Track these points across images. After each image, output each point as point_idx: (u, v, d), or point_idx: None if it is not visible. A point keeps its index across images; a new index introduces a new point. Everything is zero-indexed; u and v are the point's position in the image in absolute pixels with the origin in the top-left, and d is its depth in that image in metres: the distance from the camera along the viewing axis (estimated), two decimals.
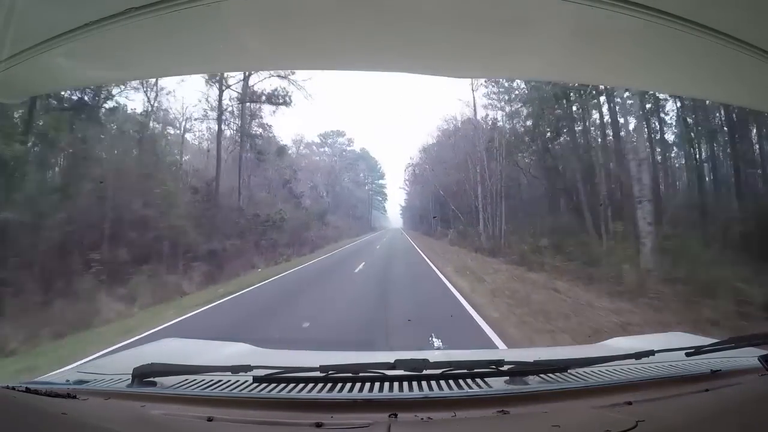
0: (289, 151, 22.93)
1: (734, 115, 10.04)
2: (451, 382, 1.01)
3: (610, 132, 12.20)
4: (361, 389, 1.00)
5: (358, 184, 38.54)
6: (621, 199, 10.52)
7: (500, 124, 16.69)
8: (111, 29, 0.96)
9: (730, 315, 5.53)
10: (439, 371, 1.03)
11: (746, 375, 1.06)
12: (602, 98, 11.98)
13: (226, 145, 16.78)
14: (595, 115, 12.72)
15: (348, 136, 34.40)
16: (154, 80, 13.30)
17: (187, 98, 20.01)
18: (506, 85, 15.77)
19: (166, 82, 14.13)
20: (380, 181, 41.89)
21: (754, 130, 10.02)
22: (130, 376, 1.05)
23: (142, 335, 5.86)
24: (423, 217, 34.60)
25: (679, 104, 11.29)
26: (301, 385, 1.01)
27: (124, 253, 10.25)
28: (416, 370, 1.02)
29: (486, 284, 9.19)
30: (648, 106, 11.30)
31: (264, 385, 1.02)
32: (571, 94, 12.18)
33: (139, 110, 13.90)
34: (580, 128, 13.21)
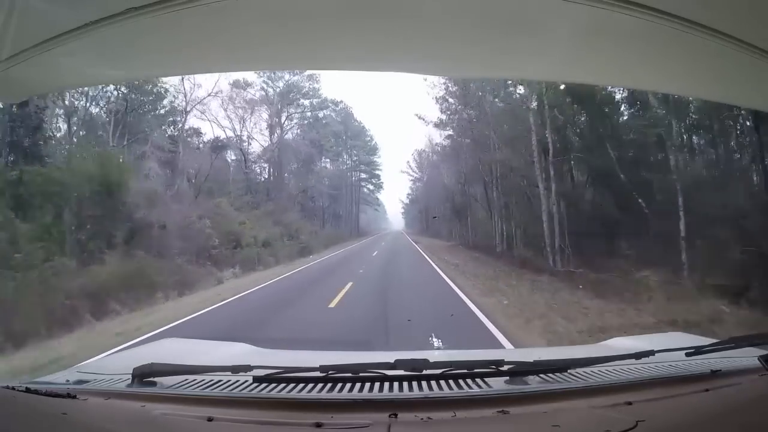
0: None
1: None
2: (451, 382, 1.01)
3: None
4: (361, 389, 1.00)
5: (329, 153, 20.10)
6: None
7: None
8: (111, 29, 0.95)
9: None
10: (439, 371, 1.02)
11: (746, 375, 1.06)
12: None
13: None
14: None
15: (310, 73, 18.27)
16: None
17: None
18: None
19: None
20: (372, 158, 23.86)
21: None
22: (130, 376, 1.05)
23: None
24: (462, 211, 18.49)
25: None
26: (301, 385, 1.01)
27: None
28: (416, 370, 1.02)
29: None
30: None
31: (264, 385, 1.02)
32: None
33: None
34: None
